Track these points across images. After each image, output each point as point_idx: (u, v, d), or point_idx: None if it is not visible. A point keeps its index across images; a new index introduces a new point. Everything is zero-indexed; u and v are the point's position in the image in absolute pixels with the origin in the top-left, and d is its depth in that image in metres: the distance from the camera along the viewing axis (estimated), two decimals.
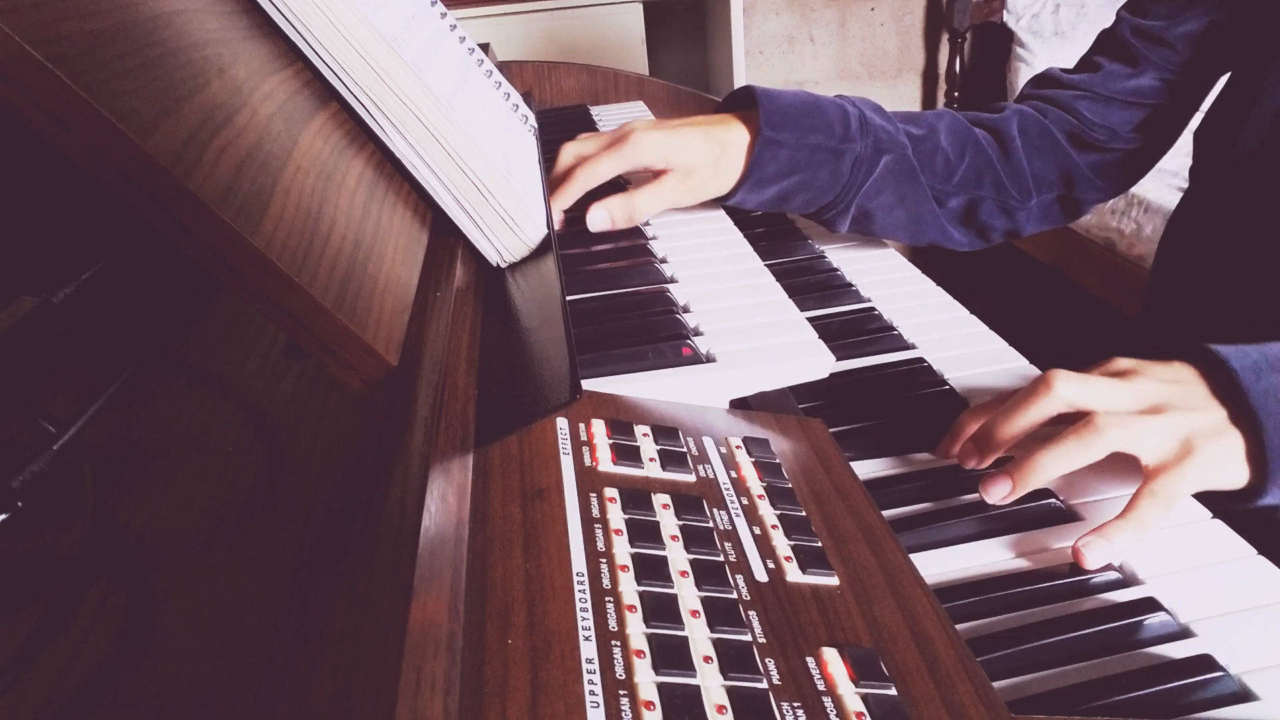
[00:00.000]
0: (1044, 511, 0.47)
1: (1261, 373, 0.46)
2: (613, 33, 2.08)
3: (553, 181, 0.74)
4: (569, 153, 0.74)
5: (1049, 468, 0.45)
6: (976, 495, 0.48)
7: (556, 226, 0.73)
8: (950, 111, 0.80)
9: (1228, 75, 0.77)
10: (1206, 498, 0.48)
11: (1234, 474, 0.46)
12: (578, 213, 0.74)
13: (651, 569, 0.36)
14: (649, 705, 0.30)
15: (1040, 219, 0.82)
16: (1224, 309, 0.72)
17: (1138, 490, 0.45)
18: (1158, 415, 0.45)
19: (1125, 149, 0.81)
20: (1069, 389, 0.46)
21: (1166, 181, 1.83)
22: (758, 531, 0.41)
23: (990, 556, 0.45)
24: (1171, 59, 0.78)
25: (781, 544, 0.40)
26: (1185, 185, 0.82)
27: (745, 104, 0.73)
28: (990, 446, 0.48)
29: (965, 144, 0.78)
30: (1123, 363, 0.49)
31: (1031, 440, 0.47)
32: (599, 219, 0.73)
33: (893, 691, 0.33)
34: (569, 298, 0.60)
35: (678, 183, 0.71)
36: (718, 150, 0.71)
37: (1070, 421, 0.46)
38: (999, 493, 0.46)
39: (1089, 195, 0.83)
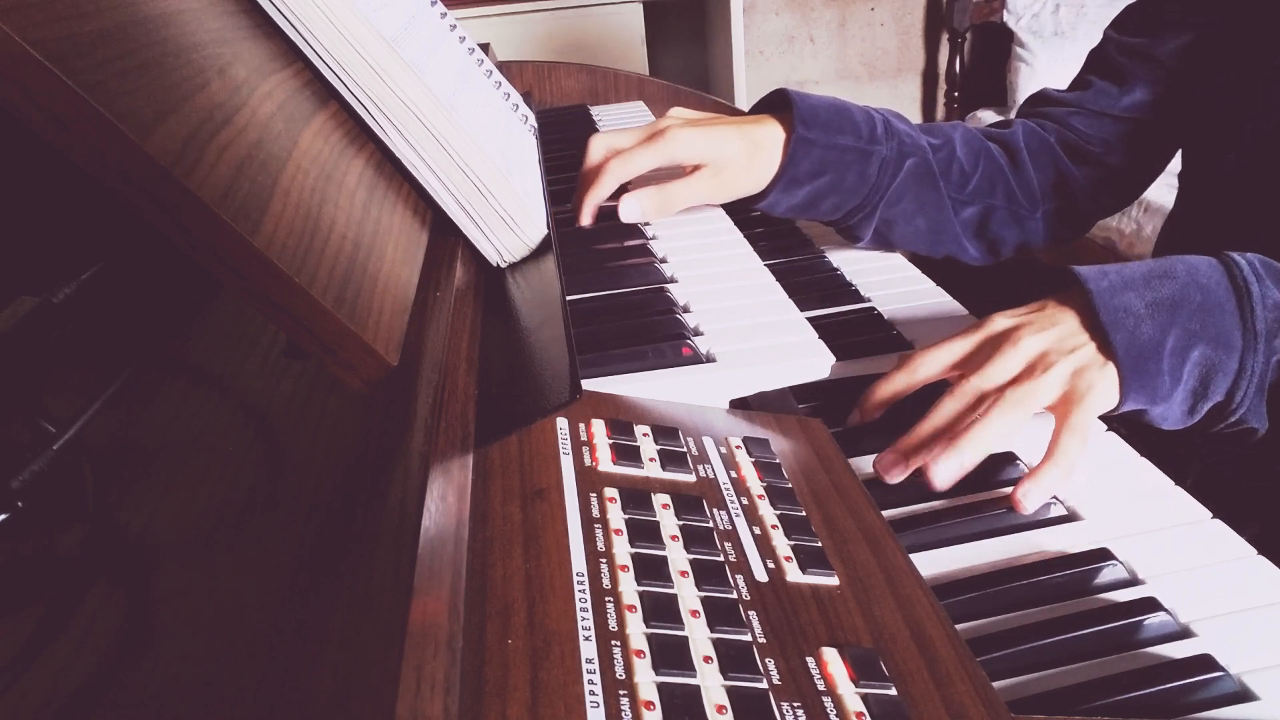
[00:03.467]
0: (1044, 512, 0.47)
1: (1116, 291, 0.51)
2: (613, 33, 2.08)
3: (585, 175, 0.74)
4: (600, 145, 0.74)
5: (987, 439, 0.48)
6: (976, 495, 0.48)
7: (587, 220, 0.74)
8: (962, 124, 0.81)
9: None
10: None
11: (1114, 397, 0.50)
12: (607, 205, 0.75)
13: (651, 569, 0.36)
14: (649, 705, 0.30)
15: (1047, 231, 0.82)
16: None
17: (1054, 432, 0.49)
18: (1047, 370, 0.50)
19: (1120, 164, 0.81)
20: (976, 383, 0.51)
21: (1166, 182, 1.82)
22: (758, 531, 0.41)
23: (990, 557, 0.45)
24: (1158, 75, 0.78)
25: (781, 544, 0.40)
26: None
27: (776, 107, 0.75)
28: (871, 406, 0.54)
29: (978, 154, 0.79)
30: (1000, 323, 0.53)
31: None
32: (631, 209, 0.73)
33: (893, 691, 0.33)
34: (569, 298, 0.60)
35: (710, 178, 0.72)
36: (751, 148, 0.71)
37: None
38: (949, 471, 0.48)
39: (1089, 209, 0.83)
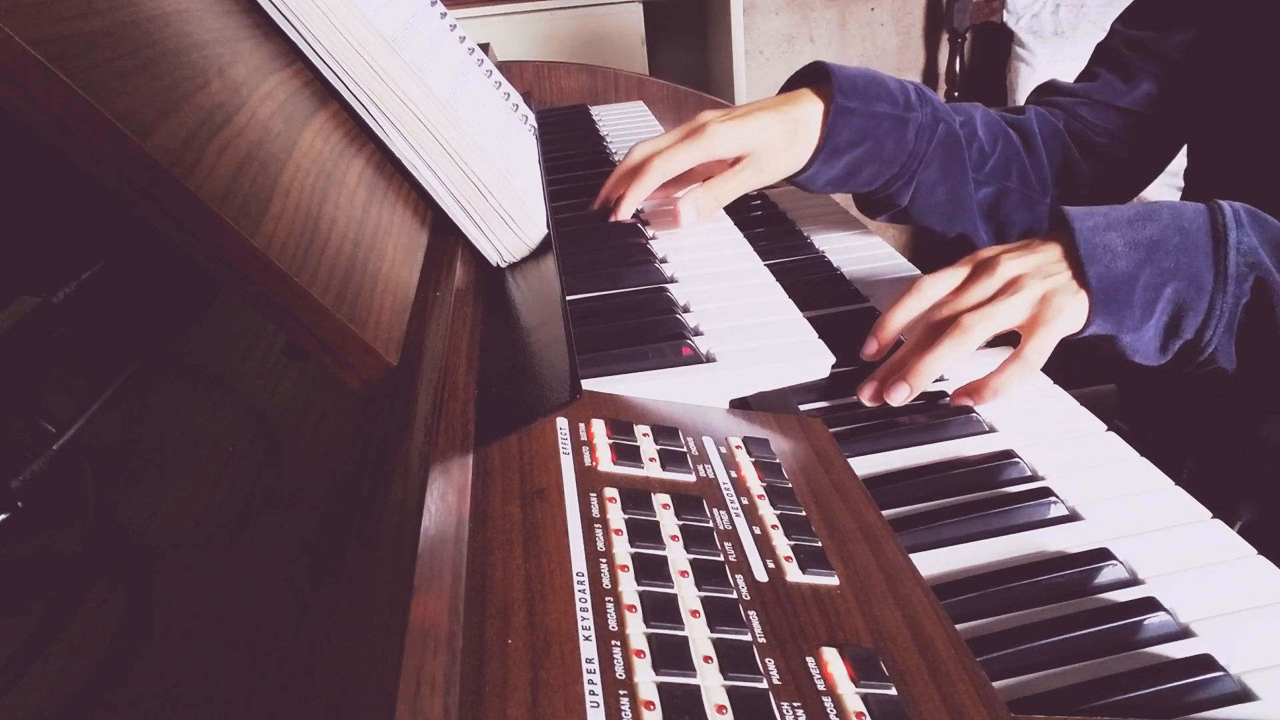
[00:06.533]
0: (1044, 512, 0.47)
1: (1099, 230, 0.55)
2: (613, 33, 2.08)
3: (624, 174, 0.75)
4: (641, 148, 0.75)
5: (933, 368, 0.54)
6: (976, 495, 0.48)
7: (627, 216, 0.74)
8: (982, 106, 0.81)
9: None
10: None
11: (1081, 320, 0.54)
12: (606, 208, 0.75)
13: (651, 569, 0.36)
14: (649, 705, 0.30)
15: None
16: None
17: (1022, 342, 0.54)
18: (1017, 291, 0.54)
19: (1124, 157, 0.81)
20: (955, 303, 0.56)
21: (1167, 181, 1.83)
22: (758, 531, 0.41)
23: (990, 557, 0.45)
24: (1164, 69, 0.78)
25: (781, 544, 0.40)
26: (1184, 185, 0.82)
27: (811, 80, 0.75)
28: (887, 335, 0.59)
29: (997, 135, 0.79)
30: (986, 252, 0.58)
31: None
32: (687, 214, 0.74)
33: (893, 691, 0.33)
34: (569, 298, 0.60)
35: (752, 165, 0.73)
36: (791, 128, 0.72)
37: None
38: (900, 396, 0.55)
39: (1091, 199, 0.83)
